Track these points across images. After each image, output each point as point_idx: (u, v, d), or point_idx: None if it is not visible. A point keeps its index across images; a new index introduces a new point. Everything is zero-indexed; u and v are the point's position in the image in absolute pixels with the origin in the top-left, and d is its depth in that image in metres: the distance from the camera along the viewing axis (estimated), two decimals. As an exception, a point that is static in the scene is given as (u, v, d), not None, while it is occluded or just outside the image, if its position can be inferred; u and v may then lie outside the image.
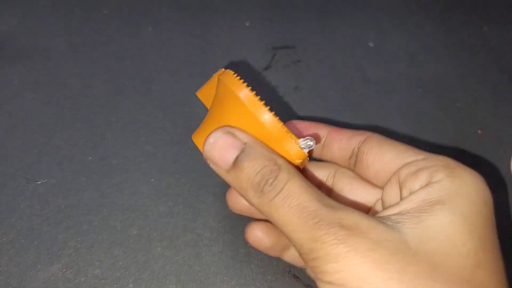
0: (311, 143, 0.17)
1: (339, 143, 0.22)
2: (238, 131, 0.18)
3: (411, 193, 0.18)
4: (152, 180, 0.29)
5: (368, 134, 0.21)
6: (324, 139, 0.22)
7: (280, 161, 0.17)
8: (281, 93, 0.36)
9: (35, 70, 0.38)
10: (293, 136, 0.18)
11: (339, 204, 0.16)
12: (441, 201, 0.17)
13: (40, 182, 0.28)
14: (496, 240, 0.18)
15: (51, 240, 0.25)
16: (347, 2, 0.49)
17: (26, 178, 0.29)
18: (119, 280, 0.24)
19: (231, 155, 0.17)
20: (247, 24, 0.45)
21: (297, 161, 0.18)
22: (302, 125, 0.23)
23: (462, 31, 0.45)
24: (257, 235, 0.22)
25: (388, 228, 0.15)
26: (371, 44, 0.43)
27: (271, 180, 0.16)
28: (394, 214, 0.17)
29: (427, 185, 0.18)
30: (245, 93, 0.17)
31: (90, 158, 0.30)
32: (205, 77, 0.38)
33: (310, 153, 0.22)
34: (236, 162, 0.17)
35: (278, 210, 0.16)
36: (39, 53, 0.40)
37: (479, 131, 0.34)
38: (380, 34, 0.44)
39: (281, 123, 0.18)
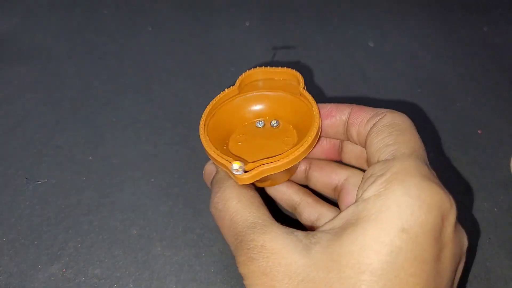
0: (236, 167, 0.20)
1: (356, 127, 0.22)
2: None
3: (347, 206, 0.18)
4: (152, 180, 0.29)
5: (383, 115, 0.20)
6: (346, 120, 0.23)
7: (227, 184, 0.21)
8: (281, 93, 0.36)
9: (35, 70, 0.38)
10: (225, 164, 0.20)
11: (266, 221, 0.18)
12: (354, 224, 0.16)
13: (40, 182, 0.28)
14: (423, 270, 0.15)
15: (51, 240, 0.25)
16: (347, 2, 0.49)
17: (26, 178, 0.29)
18: (119, 280, 0.24)
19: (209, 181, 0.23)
20: (247, 24, 0.45)
21: (239, 183, 0.21)
22: (324, 110, 0.23)
23: (462, 31, 0.45)
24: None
25: (294, 251, 0.17)
26: (371, 44, 0.43)
27: (214, 199, 0.21)
28: (322, 231, 0.17)
29: (357, 200, 0.17)
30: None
31: (90, 158, 0.30)
32: (205, 77, 0.38)
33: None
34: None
35: (218, 223, 0.20)
36: (39, 53, 0.40)
37: (479, 131, 0.34)
38: (380, 34, 0.44)
39: (221, 157, 0.21)
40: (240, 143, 0.24)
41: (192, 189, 0.28)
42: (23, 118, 0.33)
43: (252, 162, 0.20)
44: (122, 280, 0.24)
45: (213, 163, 0.23)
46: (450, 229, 0.17)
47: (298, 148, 0.21)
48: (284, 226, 0.18)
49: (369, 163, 0.19)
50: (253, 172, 0.20)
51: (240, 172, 0.20)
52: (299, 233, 0.18)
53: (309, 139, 0.21)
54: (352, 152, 0.24)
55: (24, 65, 0.38)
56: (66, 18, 0.45)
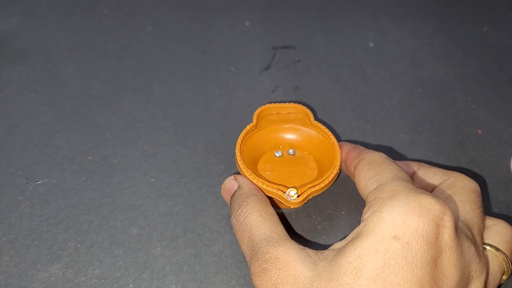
0: (293, 193, 0.23)
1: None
2: (239, 177, 0.25)
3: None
4: (152, 180, 0.29)
5: (361, 157, 0.23)
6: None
7: (251, 199, 0.22)
8: (281, 93, 0.36)
9: (35, 70, 0.38)
10: (276, 192, 0.24)
11: (281, 236, 0.20)
12: (355, 238, 0.18)
13: (40, 182, 0.28)
14: (414, 274, 0.16)
15: (51, 240, 0.25)
16: (347, 2, 0.49)
17: (26, 178, 0.29)
18: (119, 280, 0.24)
19: (229, 195, 0.24)
20: (247, 24, 0.45)
21: (292, 207, 0.24)
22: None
23: (462, 31, 0.45)
24: None
25: (303, 265, 0.18)
26: (371, 44, 0.43)
27: (238, 211, 0.22)
28: (331, 249, 0.19)
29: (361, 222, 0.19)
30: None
31: (90, 158, 0.30)
32: (205, 77, 0.38)
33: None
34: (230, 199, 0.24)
35: (238, 234, 0.22)
36: (39, 53, 0.40)
37: (479, 131, 0.34)
38: (380, 34, 0.44)
39: (271, 186, 0.24)
40: (268, 172, 0.27)
41: (192, 189, 0.28)
42: (23, 118, 0.33)
43: (300, 187, 0.24)
44: (122, 280, 0.24)
45: (233, 179, 0.25)
46: (448, 234, 0.17)
47: (332, 171, 0.24)
48: (297, 243, 0.20)
49: (363, 196, 0.22)
50: (304, 195, 0.23)
51: (295, 197, 0.23)
52: (310, 250, 0.19)
53: (337, 163, 0.25)
54: None
55: (24, 65, 0.38)
56: (66, 18, 0.45)
